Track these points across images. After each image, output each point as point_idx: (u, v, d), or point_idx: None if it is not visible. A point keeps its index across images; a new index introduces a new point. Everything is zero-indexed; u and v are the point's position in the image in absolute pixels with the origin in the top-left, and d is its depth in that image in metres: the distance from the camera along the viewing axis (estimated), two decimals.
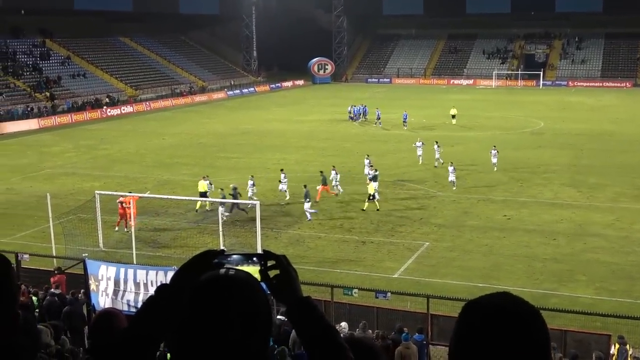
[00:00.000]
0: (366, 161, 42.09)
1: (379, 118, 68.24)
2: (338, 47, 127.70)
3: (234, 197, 34.85)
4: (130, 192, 35.22)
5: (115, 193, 35.34)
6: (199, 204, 36.69)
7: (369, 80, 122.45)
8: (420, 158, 47.60)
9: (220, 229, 29.21)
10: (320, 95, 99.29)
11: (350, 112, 72.01)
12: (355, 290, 22.81)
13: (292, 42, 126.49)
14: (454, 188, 40.98)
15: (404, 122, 65.39)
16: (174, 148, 56.95)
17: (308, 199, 35.28)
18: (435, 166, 45.89)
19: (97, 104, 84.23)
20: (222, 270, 2.34)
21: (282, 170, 39.81)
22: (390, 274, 27.90)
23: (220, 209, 33.00)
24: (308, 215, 35.25)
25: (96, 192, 31.85)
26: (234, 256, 2.44)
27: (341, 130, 65.45)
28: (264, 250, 2.47)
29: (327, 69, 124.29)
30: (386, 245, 31.49)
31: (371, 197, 36.49)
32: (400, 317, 22.10)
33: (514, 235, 32.66)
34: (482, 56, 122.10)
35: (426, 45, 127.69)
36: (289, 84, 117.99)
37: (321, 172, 39.42)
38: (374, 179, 37.59)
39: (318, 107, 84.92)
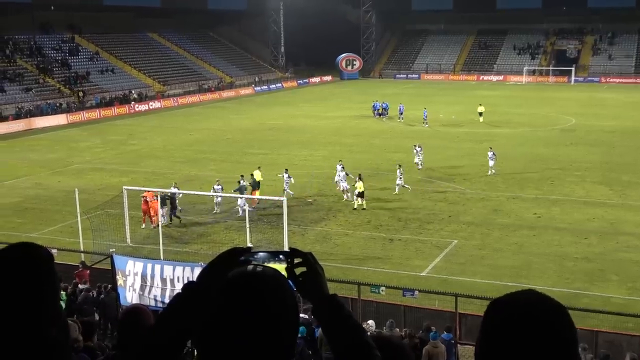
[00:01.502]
0: (339, 167, 39.81)
1: (402, 113, 68.07)
2: (366, 43, 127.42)
3: (241, 191, 35.26)
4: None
5: (142, 188, 35.54)
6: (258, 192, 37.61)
7: (397, 76, 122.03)
8: (419, 164, 45.30)
9: (247, 225, 29.31)
10: (348, 92, 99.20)
11: (375, 109, 71.98)
12: (383, 288, 22.76)
13: (320, 38, 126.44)
14: (492, 172, 42.53)
15: (424, 119, 65.16)
16: (201, 144, 57.19)
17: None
18: (419, 169, 44.51)
19: (125, 100, 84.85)
20: (250, 267, 2.35)
21: (286, 170, 39.05)
22: (418, 272, 27.80)
23: (240, 202, 33.41)
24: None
25: (124, 187, 31.96)
26: (261, 254, 2.45)
27: (369, 127, 65.29)
28: (290, 248, 2.47)
29: (355, 64, 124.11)
30: (414, 242, 31.38)
31: (359, 194, 36.26)
32: (428, 315, 22.04)
33: (545, 233, 32.39)
34: (513, 52, 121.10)
35: (455, 40, 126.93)
36: (316, 79, 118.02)
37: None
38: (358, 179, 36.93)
39: (346, 103, 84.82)
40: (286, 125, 66.40)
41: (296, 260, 2.45)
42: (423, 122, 64.88)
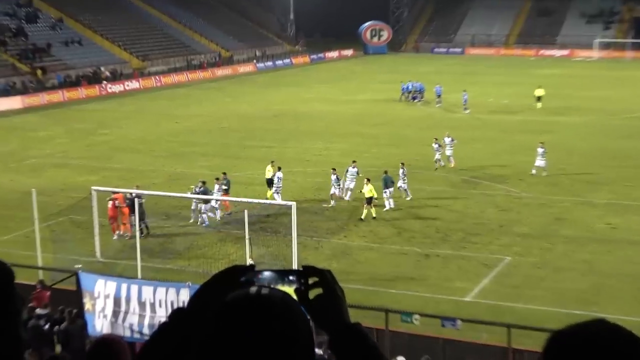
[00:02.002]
0: (352, 169, 39.41)
1: (440, 96, 68.31)
2: (397, 9, 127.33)
3: (204, 194, 35.51)
4: (136, 188, 35.49)
5: (115, 190, 35.58)
6: (269, 192, 38.30)
7: (435, 50, 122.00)
8: (442, 161, 45.15)
9: (247, 235, 29.23)
10: (374, 69, 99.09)
11: (407, 90, 72.09)
12: (416, 317, 22.65)
13: (339, 3, 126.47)
14: (535, 172, 42.48)
15: (463, 104, 65.30)
16: (190, 134, 57.42)
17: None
18: (436, 169, 44.51)
19: (95, 79, 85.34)
20: (253, 289, 2.34)
21: (279, 168, 38.82)
22: (461, 297, 27.73)
23: (204, 208, 34.39)
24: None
25: (92, 188, 31.95)
26: (266, 273, 2.47)
27: (399, 114, 65.23)
28: (303, 266, 2.47)
29: (382, 35, 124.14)
30: (456, 259, 31.31)
31: (368, 202, 36.21)
32: (473, 350, 21.94)
33: (620, 248, 32.18)
34: (581, 20, 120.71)
35: (509, 6, 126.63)
36: (334, 54, 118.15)
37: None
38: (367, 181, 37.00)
39: (370, 84, 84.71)
40: (296, 112, 66.54)
41: (310, 281, 2.46)
42: (463, 108, 65.04)
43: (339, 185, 38.60)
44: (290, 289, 2.43)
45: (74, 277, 24.00)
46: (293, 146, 52.10)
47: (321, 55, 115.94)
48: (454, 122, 60.54)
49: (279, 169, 38.91)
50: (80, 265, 27.32)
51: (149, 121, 63.54)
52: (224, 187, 37.17)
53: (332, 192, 38.30)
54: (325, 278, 2.47)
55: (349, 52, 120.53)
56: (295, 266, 26.49)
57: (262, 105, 70.70)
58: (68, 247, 31.01)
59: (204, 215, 35.78)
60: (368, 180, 36.72)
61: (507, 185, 41.93)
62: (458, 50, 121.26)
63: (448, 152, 45.31)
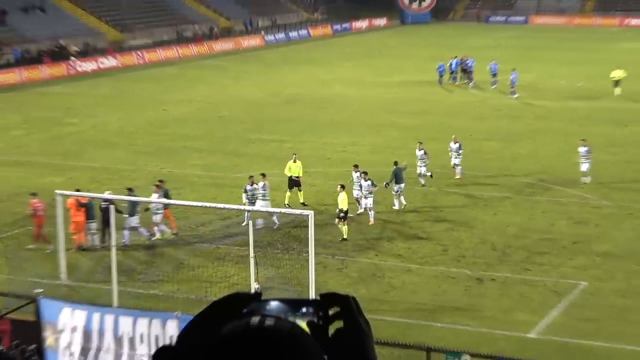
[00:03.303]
0: (361, 178, 38.34)
1: (495, 76, 69.08)
2: None
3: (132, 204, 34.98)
4: (108, 193, 35.41)
5: (85, 194, 35.36)
6: (288, 195, 38.37)
7: (490, 19, 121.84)
8: (457, 169, 43.76)
9: (252, 253, 29.09)
10: (413, 43, 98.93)
11: (447, 70, 72.21)
12: (467, 357, 22.58)
13: None
14: (585, 180, 42.12)
15: (511, 86, 65.85)
16: (180, 124, 57.50)
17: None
18: (422, 185, 42.59)
19: (60, 54, 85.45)
20: (255, 319, 2.37)
21: (263, 175, 37.64)
22: (524, 332, 27.55)
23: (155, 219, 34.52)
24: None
25: (57, 192, 31.98)
26: (275, 303, 2.51)
27: (444, 99, 65.26)
28: (321, 295, 2.52)
29: (424, 0, 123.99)
30: (517, 284, 31.13)
31: (342, 214, 35.44)
32: None
33: None
34: None
35: None
36: (362, 24, 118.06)
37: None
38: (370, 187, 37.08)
39: (408, 61, 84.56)
40: (314, 97, 66.60)
41: (330, 312, 2.49)
42: (510, 92, 65.64)
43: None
44: (304, 323, 2.46)
45: (33, 304, 23.97)
46: (310, 140, 52.10)
47: (346, 25, 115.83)
48: (513, 109, 60.38)
49: (263, 175, 37.56)
50: (40, 290, 27.42)
51: (129, 108, 63.65)
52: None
53: (355, 195, 38.13)
54: (348, 307, 2.49)
55: (381, 22, 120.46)
56: (312, 292, 26.80)
57: (272, 88, 70.78)
58: (25, 267, 31.00)
59: (156, 228, 35.59)
60: (342, 187, 35.92)
61: (582, 190, 41.67)
62: (520, 19, 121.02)
63: (455, 160, 43.91)
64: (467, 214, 38.57)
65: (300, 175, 39.46)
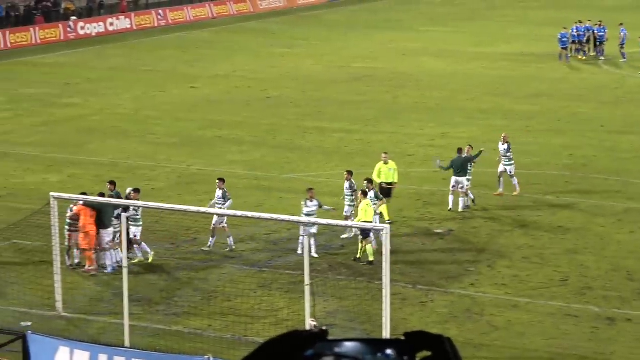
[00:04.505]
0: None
1: (623, 45, 68.94)
2: None
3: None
4: (109, 189, 35.55)
5: (86, 198, 34.55)
6: (382, 207, 37.00)
7: None
8: (514, 180, 41.76)
9: (307, 279, 28.74)
10: (526, 1, 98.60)
11: (569, 40, 71.50)
12: None
13: None
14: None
15: (620, 46, 67.44)
16: (213, 108, 57.74)
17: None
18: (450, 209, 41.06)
19: (56, 13, 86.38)
20: None
21: (222, 180, 37.22)
22: None
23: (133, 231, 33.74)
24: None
25: (52, 194, 31.69)
26: (349, 343, 2.66)
27: (566, 77, 65.62)
28: (407, 334, 2.63)
29: None
30: None
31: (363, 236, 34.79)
32: None
33: None
34: None
35: None
36: None
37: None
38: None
39: (520, 25, 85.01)
40: (392, 73, 66.85)
41: (419, 356, 2.57)
42: (620, 56, 67.29)
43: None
44: None
45: (20, 341, 24.43)
46: (387, 131, 52.03)
47: None
48: None
49: (222, 181, 37.32)
50: (28, 323, 27.87)
51: (147, 85, 64.06)
52: None
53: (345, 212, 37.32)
54: (444, 350, 2.53)
55: None
56: (386, 331, 26.72)
57: (336, 60, 71.20)
58: (10, 293, 31.19)
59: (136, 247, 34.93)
60: (365, 193, 35.58)
61: None
62: None
63: (507, 167, 41.55)
64: (594, 231, 38.18)
65: (395, 180, 38.74)
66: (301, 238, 33.68)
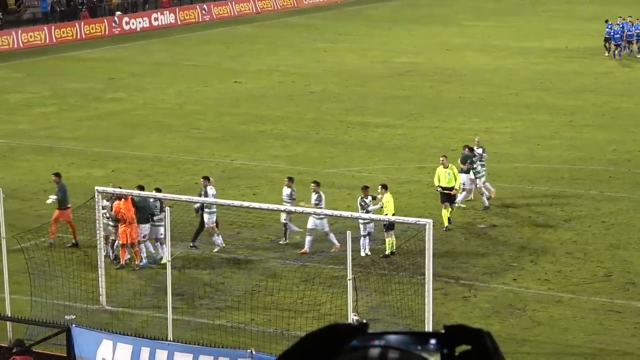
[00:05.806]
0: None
1: (631, 39, 68.93)
2: None
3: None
4: (157, 191, 35.91)
5: (131, 192, 35.14)
6: (444, 213, 37.38)
7: None
8: (485, 185, 41.33)
9: (350, 274, 28.95)
10: None
11: (614, 35, 70.95)
12: None
13: None
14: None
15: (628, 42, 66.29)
16: (257, 102, 57.98)
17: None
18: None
19: (101, 8, 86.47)
20: (374, 352, 2.57)
21: (207, 179, 37.32)
22: None
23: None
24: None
25: (97, 188, 32.21)
26: (392, 337, 2.66)
27: (612, 72, 65.12)
28: (447, 327, 2.68)
29: None
30: None
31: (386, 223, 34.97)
32: None
33: None
34: None
35: None
36: None
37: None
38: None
39: (567, 20, 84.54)
40: (436, 67, 66.93)
41: (459, 350, 2.62)
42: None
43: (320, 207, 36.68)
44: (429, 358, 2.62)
45: (64, 334, 24.38)
46: (430, 125, 52.28)
47: None
48: None
49: (207, 180, 37.22)
50: (72, 316, 27.93)
51: (191, 80, 64.21)
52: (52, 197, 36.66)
53: (310, 226, 36.84)
54: (483, 344, 2.63)
55: None
56: (429, 326, 26.93)
57: (379, 55, 71.05)
58: (53, 287, 31.11)
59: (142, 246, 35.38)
60: (385, 187, 35.96)
61: None
62: None
63: (478, 179, 40.97)
64: (638, 226, 38.14)
65: (455, 186, 38.22)
66: (362, 239, 34.46)
